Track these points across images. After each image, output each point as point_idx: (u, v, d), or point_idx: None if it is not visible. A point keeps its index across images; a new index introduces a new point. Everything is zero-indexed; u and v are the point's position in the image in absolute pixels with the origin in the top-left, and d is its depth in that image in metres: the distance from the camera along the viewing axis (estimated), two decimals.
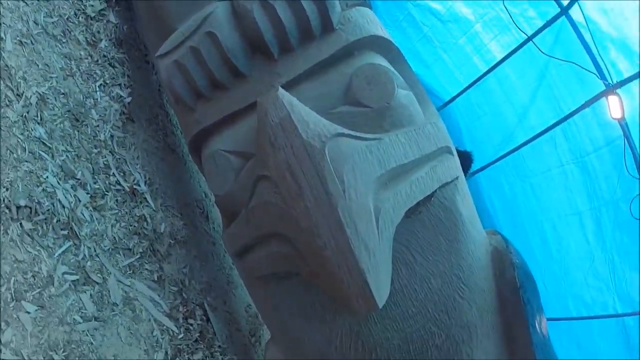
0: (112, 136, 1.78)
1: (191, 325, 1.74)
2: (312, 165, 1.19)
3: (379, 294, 1.20)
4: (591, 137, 3.11)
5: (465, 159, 2.30)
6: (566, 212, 3.36)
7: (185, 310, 1.76)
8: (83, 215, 1.48)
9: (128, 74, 2.06)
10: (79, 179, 1.52)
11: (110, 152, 1.75)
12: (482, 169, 3.85)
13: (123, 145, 1.85)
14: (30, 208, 1.33)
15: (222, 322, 2.03)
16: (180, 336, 1.68)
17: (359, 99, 1.44)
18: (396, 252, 1.36)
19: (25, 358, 1.14)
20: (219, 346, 1.89)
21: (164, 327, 1.64)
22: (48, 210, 1.36)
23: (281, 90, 1.26)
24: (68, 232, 1.40)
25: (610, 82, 2.72)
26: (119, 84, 1.93)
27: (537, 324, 1.57)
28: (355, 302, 1.21)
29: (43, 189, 1.39)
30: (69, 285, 1.33)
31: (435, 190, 1.43)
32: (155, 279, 1.69)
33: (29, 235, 1.30)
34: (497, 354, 1.56)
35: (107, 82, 1.87)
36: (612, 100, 2.69)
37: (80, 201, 1.48)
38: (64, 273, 1.33)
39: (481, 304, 1.51)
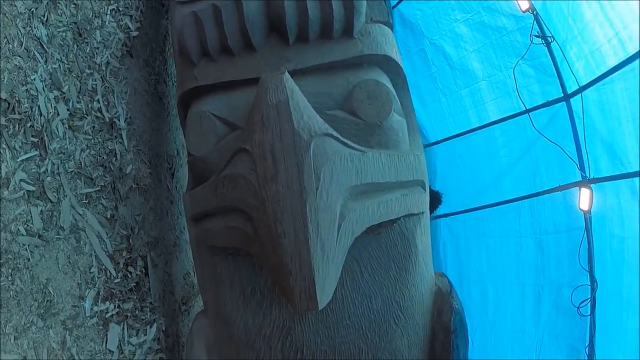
0: (108, 63, 1.78)
1: (130, 273, 1.75)
2: (294, 153, 1.24)
3: (322, 295, 1.27)
4: (555, 219, 3.33)
5: (435, 199, 2.41)
6: (511, 281, 3.56)
7: (128, 256, 1.76)
8: (57, 129, 1.47)
9: (141, 9, 2.07)
10: (64, 93, 1.52)
11: (102, 77, 1.74)
12: (445, 215, 4.04)
13: (115, 76, 1.85)
14: (9, 104, 1.33)
15: (159, 281, 2.05)
16: (117, 281, 1.69)
17: (355, 109, 1.51)
18: (347, 263, 1.43)
19: None
20: (151, 303, 1.90)
21: (103, 266, 1.65)
22: (25, 112, 1.36)
23: (287, 75, 1.32)
24: (38, 141, 1.40)
25: (587, 176, 2.95)
26: (130, 15, 1.94)
27: None
28: (298, 297, 1.26)
29: (27, 90, 1.39)
30: (23, 194, 1.33)
31: (400, 218, 1.53)
32: (108, 216, 1.69)
33: None
34: None
35: (120, 9, 1.88)
36: (584, 192, 2.91)
37: (58, 115, 1.48)
38: (21, 180, 1.33)
39: (413, 336, 1.59)
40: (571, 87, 2.98)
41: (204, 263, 1.66)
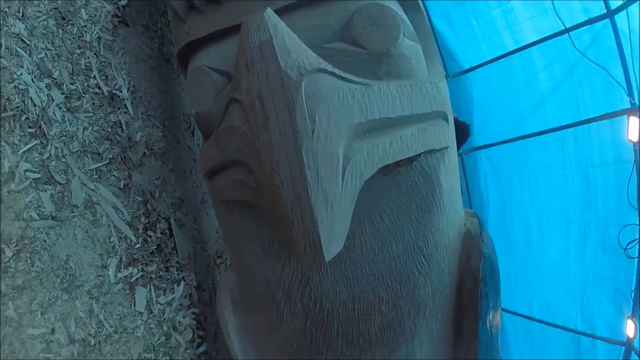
0: (99, 38, 1.77)
1: (150, 237, 1.84)
2: (284, 96, 1.14)
3: (328, 248, 1.18)
4: (601, 151, 3.10)
5: (463, 131, 2.24)
6: (556, 216, 3.42)
7: (147, 221, 1.86)
8: (54, 115, 1.52)
9: None
10: (55, 79, 1.54)
11: (95, 53, 1.75)
12: (485, 146, 3.87)
13: (110, 49, 1.85)
14: None
15: (188, 239, 2.14)
16: (137, 246, 1.78)
17: (357, 39, 1.37)
18: (364, 208, 1.35)
19: None
20: (177, 262, 2.00)
21: (123, 234, 1.73)
22: (17, 107, 1.40)
23: (269, 11, 1.18)
24: (36, 131, 1.45)
25: (636, 103, 2.67)
26: None
27: (488, 321, 1.61)
28: (302, 250, 1.19)
29: (15, 86, 1.41)
30: (30, 182, 1.40)
31: (420, 155, 1.41)
32: (122, 186, 1.77)
33: None
34: (441, 337, 1.60)
35: None
36: (633, 121, 2.64)
37: (53, 100, 1.52)
38: (26, 170, 1.40)
39: (437, 284, 1.52)
40: (615, 2, 2.61)
41: (222, 218, 1.68)
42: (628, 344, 2.88)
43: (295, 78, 1.13)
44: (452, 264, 1.55)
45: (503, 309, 3.79)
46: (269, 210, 1.28)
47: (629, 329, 2.85)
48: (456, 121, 1.76)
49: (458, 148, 1.85)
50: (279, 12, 1.27)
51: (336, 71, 1.23)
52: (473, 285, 1.54)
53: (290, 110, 1.13)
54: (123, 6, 1.91)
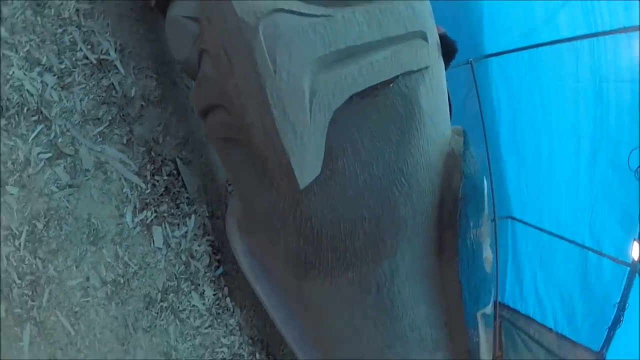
0: (77, 10, 1.84)
1: (157, 181, 2.05)
2: (243, 43, 1.21)
3: (302, 175, 1.34)
4: (617, 66, 3.01)
5: (449, 47, 2.17)
6: (567, 130, 3.45)
7: (153, 167, 2.05)
8: (52, 96, 1.69)
9: None
10: (44, 64, 1.65)
11: (76, 26, 1.84)
12: (496, 54, 3.75)
13: (91, 16, 1.92)
14: (1, 107, 1.52)
15: (198, 174, 2.33)
16: (148, 191, 1.99)
17: None
18: (346, 132, 1.43)
19: (14, 229, 1.45)
20: (187, 197, 2.22)
21: (133, 184, 1.93)
22: (18, 103, 1.54)
23: None
24: (39, 117, 1.60)
25: None
26: None
27: (468, 240, 1.66)
28: (279, 179, 1.37)
29: (10, 85, 1.54)
30: (44, 162, 1.59)
31: (397, 77, 1.44)
32: (125, 142, 1.93)
33: (5, 130, 1.51)
34: (424, 254, 1.68)
35: None
36: None
37: (47, 85, 1.66)
38: (38, 153, 1.58)
39: (417, 203, 1.59)
40: None
41: (220, 153, 1.85)
42: (633, 266, 3.06)
43: (252, 23, 1.20)
44: (434, 183, 1.61)
45: (515, 219, 4.02)
46: (250, 145, 1.43)
47: (635, 251, 3.01)
48: (442, 38, 1.75)
49: (446, 66, 1.85)
50: None
51: (294, 7, 1.26)
52: (453, 205, 1.60)
53: (251, 56, 1.21)
54: None
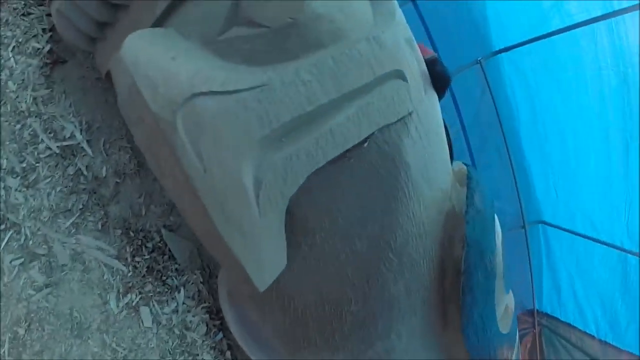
0: (34, 99, 1.80)
1: (138, 262, 1.98)
2: (164, 142, 1.03)
3: (259, 278, 1.16)
4: None
5: (440, 74, 1.81)
6: (593, 123, 3.19)
7: (132, 248, 1.96)
8: (17, 199, 1.65)
9: (49, 12, 1.91)
10: (5, 168, 1.62)
11: (36, 116, 1.78)
12: (506, 49, 3.46)
13: (51, 101, 1.87)
14: None
15: (189, 237, 2.20)
16: (130, 274, 1.92)
17: (250, 17, 1.10)
18: (318, 201, 1.25)
19: None
20: (175, 269, 2.21)
21: (114, 269, 1.87)
22: None
23: (126, 44, 1.04)
24: (6, 224, 1.57)
25: None
26: (35, 35, 1.81)
27: (474, 314, 1.48)
28: (241, 281, 1.19)
29: None
30: (18, 268, 1.56)
31: (372, 133, 1.23)
32: (100, 227, 1.87)
33: None
34: (424, 330, 1.52)
35: (21, 40, 1.76)
36: None
37: (11, 188, 1.61)
38: (11, 261, 1.56)
39: (411, 280, 1.42)
40: None
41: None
42: None
43: (169, 119, 1.01)
44: (431, 252, 1.43)
45: (546, 223, 3.76)
46: None
47: None
48: (432, 63, 1.53)
49: (440, 96, 1.62)
50: (168, 12, 1.14)
51: (215, 86, 1.05)
52: (455, 278, 1.42)
53: (174, 155, 1.04)
54: (48, 51, 1.89)
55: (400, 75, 1.25)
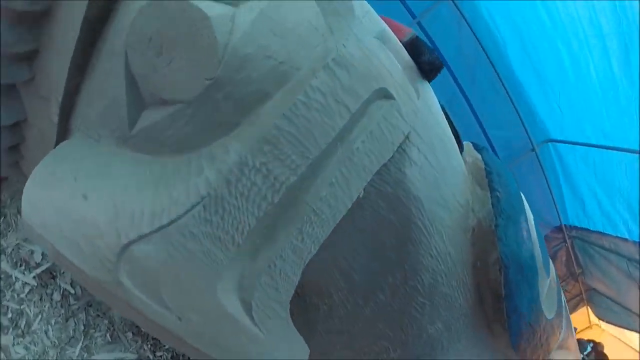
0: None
1: (161, 356, 1.98)
2: (121, 302, 0.86)
3: None
4: None
5: (429, 68, 1.39)
6: (586, 33, 2.90)
7: (149, 345, 1.94)
8: (18, 353, 1.53)
9: None
10: None
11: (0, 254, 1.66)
12: None
13: (8, 229, 1.69)
14: None
15: None
16: None
17: (157, 94, 0.81)
18: (327, 262, 1.10)
19: None
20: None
21: None
22: None
23: (25, 203, 0.85)
24: None
25: None
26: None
27: (522, 327, 1.36)
28: None
29: None
30: None
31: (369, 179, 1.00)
32: (110, 339, 1.84)
33: None
34: (471, 350, 1.44)
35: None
36: None
37: (8, 346, 1.50)
38: None
39: (448, 315, 1.30)
40: None
41: None
42: None
43: (110, 279, 0.82)
44: (465, 280, 1.28)
45: (555, 140, 3.61)
46: None
47: None
48: (412, 45, 1.21)
49: (430, 80, 1.32)
50: (65, 118, 0.94)
51: (144, 228, 0.81)
52: (496, 302, 1.28)
53: (139, 312, 0.86)
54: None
55: (383, 93, 0.95)
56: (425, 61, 1.24)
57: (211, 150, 0.85)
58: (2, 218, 1.73)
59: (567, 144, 3.58)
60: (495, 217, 1.28)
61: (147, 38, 0.79)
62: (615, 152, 3.30)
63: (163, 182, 0.84)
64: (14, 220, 1.75)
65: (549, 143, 3.72)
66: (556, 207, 4.03)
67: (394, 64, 1.02)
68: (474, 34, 3.29)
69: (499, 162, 1.50)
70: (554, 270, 1.75)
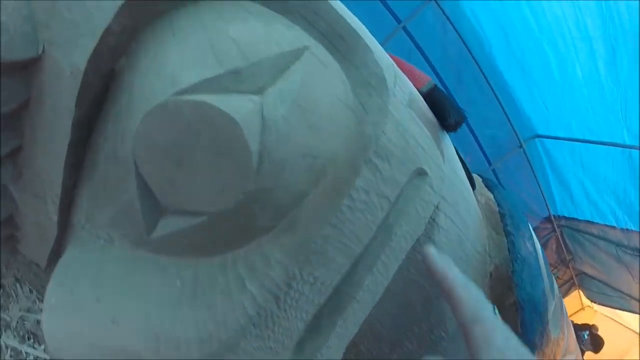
0: None
1: None
2: None
3: None
4: None
5: (454, 124, 1.42)
6: (572, 35, 2.90)
7: None
8: None
9: None
10: None
11: (6, 329, 1.57)
12: None
13: (8, 299, 1.64)
14: None
15: None
16: None
17: (177, 204, 0.71)
18: None
19: None
20: None
21: None
22: None
23: (48, 332, 0.71)
24: None
25: None
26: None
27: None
28: None
29: None
30: None
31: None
32: None
33: None
34: None
35: None
36: None
37: None
38: None
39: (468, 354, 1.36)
40: None
41: None
42: None
43: None
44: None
45: (542, 136, 3.67)
46: None
47: None
48: (431, 96, 1.20)
49: (453, 130, 1.32)
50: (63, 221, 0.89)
51: (203, 351, 0.69)
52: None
53: None
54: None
55: (418, 172, 0.88)
56: (452, 124, 1.20)
57: (247, 256, 0.78)
58: (1, 290, 1.65)
59: (553, 140, 3.64)
60: (512, 263, 1.29)
61: (160, 149, 0.65)
62: (601, 147, 3.37)
63: (200, 296, 0.78)
64: (14, 291, 1.67)
65: (536, 139, 3.78)
66: (545, 199, 4.12)
67: (425, 134, 0.95)
68: (459, 35, 3.28)
69: (509, 199, 1.52)
70: (557, 288, 1.80)
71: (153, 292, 0.77)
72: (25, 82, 0.67)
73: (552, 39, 3.02)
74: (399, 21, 3.31)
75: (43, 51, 0.64)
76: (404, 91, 0.96)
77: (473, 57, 3.38)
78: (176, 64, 0.64)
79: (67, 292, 0.76)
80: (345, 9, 0.84)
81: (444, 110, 1.21)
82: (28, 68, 0.67)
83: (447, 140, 1.24)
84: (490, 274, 1.30)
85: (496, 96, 3.57)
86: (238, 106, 0.64)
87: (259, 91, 0.67)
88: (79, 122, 0.69)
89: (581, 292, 5.53)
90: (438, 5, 3.21)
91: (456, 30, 3.27)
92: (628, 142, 3.17)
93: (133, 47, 0.66)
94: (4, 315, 1.59)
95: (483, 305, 0.55)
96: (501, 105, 3.63)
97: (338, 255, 0.79)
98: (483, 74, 3.47)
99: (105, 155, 0.73)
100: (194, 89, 0.63)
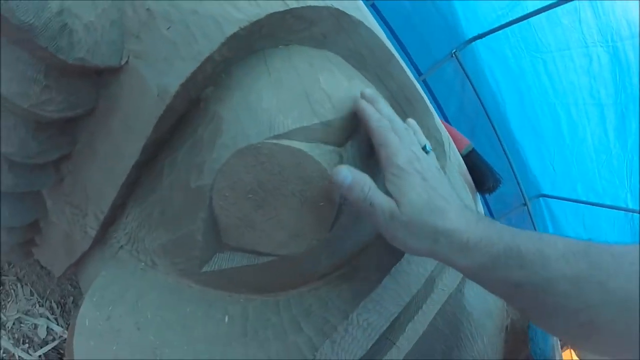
0: None
1: None
2: None
3: None
4: (629, 20, 2.55)
5: (489, 184, 1.46)
6: (585, 101, 3.07)
7: None
8: None
9: None
10: None
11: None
12: (480, 36, 3.23)
13: (7, 298, 1.53)
14: None
15: None
16: None
17: (246, 245, 0.70)
18: None
19: None
20: None
21: None
22: None
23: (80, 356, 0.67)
24: None
25: None
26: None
27: None
28: None
29: None
30: None
31: None
32: None
33: None
34: None
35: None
36: None
37: None
38: None
39: None
40: None
41: None
42: None
43: None
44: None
45: (547, 196, 3.72)
46: None
47: None
48: (472, 167, 1.21)
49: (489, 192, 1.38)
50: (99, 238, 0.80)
51: None
52: None
53: None
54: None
55: None
56: (489, 188, 1.28)
57: (302, 299, 0.75)
58: (1, 287, 1.55)
59: (558, 200, 3.70)
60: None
61: (245, 189, 0.63)
62: (604, 210, 3.44)
63: (251, 334, 0.72)
64: (14, 290, 1.57)
65: (540, 198, 3.84)
66: None
67: (470, 199, 1.04)
68: (476, 92, 3.40)
69: None
70: (558, 342, 1.87)
71: (199, 325, 0.72)
72: (95, 90, 0.63)
73: (566, 104, 3.16)
74: (420, 73, 3.44)
75: (126, 62, 0.60)
76: (455, 156, 1.04)
77: (487, 115, 3.50)
78: (272, 106, 0.62)
79: (104, 316, 0.70)
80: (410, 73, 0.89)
81: (482, 176, 1.28)
82: (102, 76, 0.62)
83: (478, 201, 1.30)
84: (507, 328, 1.34)
85: (506, 154, 3.67)
86: (329, 158, 0.65)
87: (342, 144, 0.68)
88: (151, 144, 0.66)
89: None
90: (459, 62, 3.35)
91: (474, 87, 3.40)
92: (631, 205, 3.26)
93: (223, 79, 0.64)
94: (1, 314, 1.48)
95: (390, 134, 0.62)
96: (510, 163, 3.71)
97: (391, 304, 0.80)
98: (495, 131, 3.57)
99: (172, 183, 0.70)
100: (290, 135, 0.62)
